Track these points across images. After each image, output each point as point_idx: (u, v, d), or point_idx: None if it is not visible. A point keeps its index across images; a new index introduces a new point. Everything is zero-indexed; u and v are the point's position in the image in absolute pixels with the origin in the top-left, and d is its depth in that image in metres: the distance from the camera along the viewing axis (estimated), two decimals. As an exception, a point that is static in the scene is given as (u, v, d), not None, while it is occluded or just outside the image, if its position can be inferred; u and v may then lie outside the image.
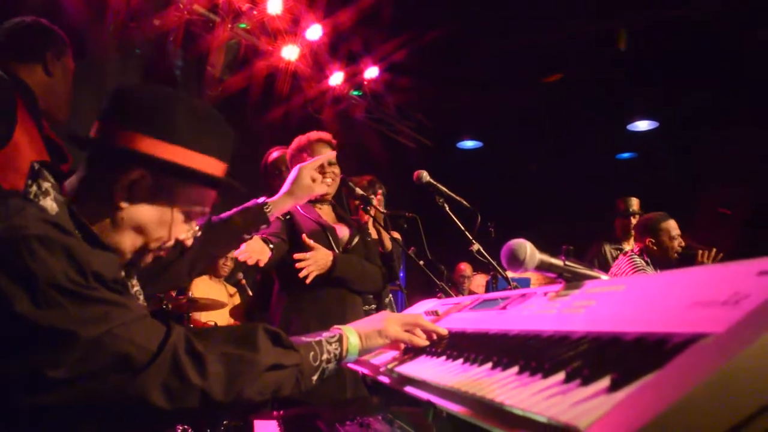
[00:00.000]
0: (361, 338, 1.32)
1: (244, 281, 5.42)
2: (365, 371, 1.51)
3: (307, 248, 2.62)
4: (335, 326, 1.35)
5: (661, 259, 4.04)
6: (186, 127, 1.21)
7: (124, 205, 1.18)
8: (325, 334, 1.28)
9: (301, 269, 2.55)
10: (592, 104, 7.19)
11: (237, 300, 5.47)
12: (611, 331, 0.81)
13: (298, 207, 2.85)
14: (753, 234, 5.71)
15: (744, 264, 0.75)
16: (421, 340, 1.36)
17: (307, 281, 2.56)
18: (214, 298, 4.84)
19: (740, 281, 0.71)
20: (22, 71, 2.24)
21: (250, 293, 5.21)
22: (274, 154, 3.59)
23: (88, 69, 5.19)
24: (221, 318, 4.98)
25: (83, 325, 0.93)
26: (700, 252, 3.98)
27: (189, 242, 1.31)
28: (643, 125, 7.90)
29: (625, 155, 8.64)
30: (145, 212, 1.20)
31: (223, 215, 1.81)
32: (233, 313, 5.04)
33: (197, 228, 1.34)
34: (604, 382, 0.66)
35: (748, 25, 5.77)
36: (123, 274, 1.24)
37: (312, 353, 1.20)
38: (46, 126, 2.24)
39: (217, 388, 1.01)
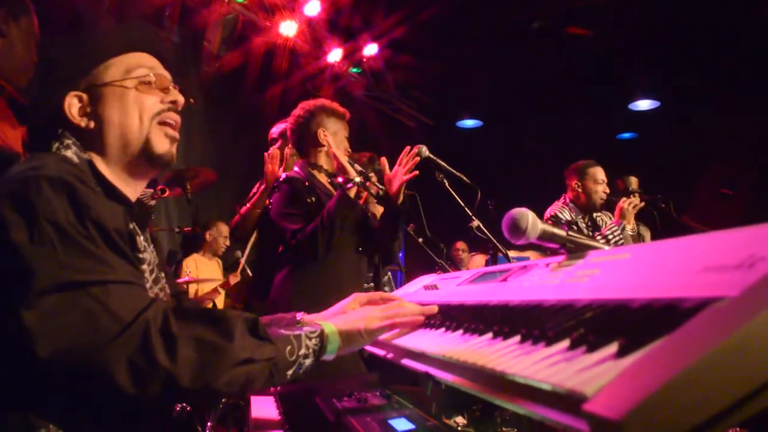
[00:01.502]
0: (341, 338, 1.25)
1: (242, 260, 5.39)
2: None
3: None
4: (309, 318, 1.32)
5: (586, 204, 4.35)
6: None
7: (85, 123, 1.28)
8: (306, 328, 1.22)
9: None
10: (592, 83, 7.13)
11: (235, 277, 5.45)
12: (617, 298, 0.78)
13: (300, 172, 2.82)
14: (755, 214, 5.69)
15: (757, 228, 0.72)
16: (408, 319, 1.30)
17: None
18: (209, 277, 4.83)
19: (754, 244, 0.67)
20: None
21: (249, 273, 5.19)
22: (280, 126, 3.58)
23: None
24: (219, 300, 4.95)
25: (63, 268, 0.95)
26: (623, 199, 4.12)
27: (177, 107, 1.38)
28: (644, 105, 7.83)
29: (626, 135, 8.60)
30: (111, 113, 1.29)
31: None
32: (233, 291, 5.01)
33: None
34: (611, 348, 0.63)
35: (751, 2, 5.69)
36: (132, 226, 1.27)
37: (289, 347, 1.14)
38: (8, 88, 2.14)
39: (184, 373, 0.97)
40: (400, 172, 2.62)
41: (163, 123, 1.34)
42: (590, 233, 4.31)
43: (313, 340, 1.20)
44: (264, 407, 1.64)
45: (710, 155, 6.91)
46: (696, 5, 5.81)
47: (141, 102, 1.32)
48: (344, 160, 2.65)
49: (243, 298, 4.46)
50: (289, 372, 1.15)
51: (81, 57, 1.34)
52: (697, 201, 6.65)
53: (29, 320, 0.92)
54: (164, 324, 0.98)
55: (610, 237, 4.00)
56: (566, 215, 4.39)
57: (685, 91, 7.09)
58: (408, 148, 2.65)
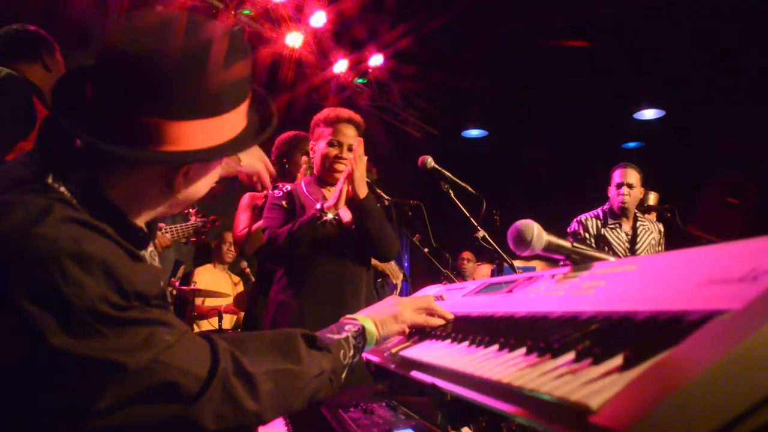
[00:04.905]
0: (377, 326, 1.30)
1: (248, 270, 5.42)
2: (369, 356, 1.49)
3: None
4: (348, 317, 1.31)
5: (616, 210, 4.25)
6: (219, 88, 1.03)
7: (182, 190, 1.09)
8: (349, 328, 1.25)
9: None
10: (598, 93, 7.13)
11: (241, 288, 5.47)
12: (623, 310, 0.79)
13: (303, 187, 2.83)
14: (760, 223, 5.67)
15: (761, 240, 0.72)
16: (438, 321, 1.35)
17: (338, 175, 2.61)
18: (218, 290, 4.84)
19: (757, 257, 0.68)
20: (26, 70, 2.53)
21: (253, 279, 5.21)
22: (284, 136, 3.61)
23: (93, 58, 5.18)
24: (225, 304, 4.98)
25: (127, 353, 0.84)
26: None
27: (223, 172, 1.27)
28: (649, 114, 7.83)
29: (632, 144, 8.59)
30: (200, 183, 1.13)
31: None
32: (237, 300, 5.03)
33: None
34: (616, 360, 0.63)
35: (754, 11, 5.70)
36: (162, 284, 1.04)
37: (342, 351, 1.18)
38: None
39: (269, 408, 0.99)
40: (349, 172, 2.60)
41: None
42: (621, 246, 4.20)
43: (358, 338, 1.24)
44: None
45: (716, 164, 6.90)
46: (701, 14, 5.82)
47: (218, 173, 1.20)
48: (344, 194, 2.62)
49: (246, 302, 4.48)
50: (344, 375, 1.18)
51: None
52: (702, 210, 6.63)
53: (113, 420, 0.84)
54: (237, 366, 0.96)
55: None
56: (591, 224, 4.28)
57: (690, 100, 7.08)
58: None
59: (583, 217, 4.35)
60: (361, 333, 1.26)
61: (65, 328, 0.80)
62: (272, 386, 0.99)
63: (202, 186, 1.14)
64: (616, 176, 4.25)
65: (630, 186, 4.19)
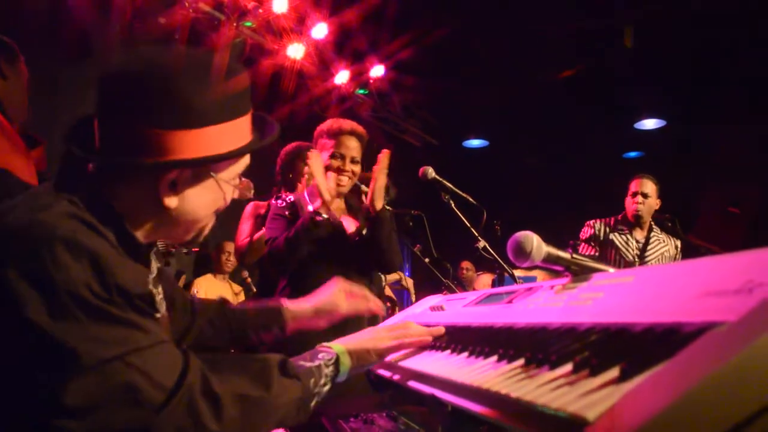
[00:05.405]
0: (351, 357, 1.27)
1: (249, 279, 5.42)
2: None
3: None
4: (324, 345, 1.29)
5: (629, 219, 4.24)
6: (206, 101, 1.06)
7: (172, 203, 1.08)
8: (322, 356, 1.23)
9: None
10: (598, 103, 7.15)
11: (242, 298, 5.47)
12: (620, 322, 0.79)
13: (307, 197, 2.84)
14: (761, 233, 5.67)
15: (756, 252, 0.73)
16: (415, 338, 1.32)
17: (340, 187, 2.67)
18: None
19: (753, 270, 0.69)
20: None
21: (254, 290, 5.21)
22: (288, 147, 3.62)
23: (94, 69, 5.22)
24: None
25: (96, 345, 0.87)
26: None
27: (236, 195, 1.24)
28: (650, 123, 7.84)
29: (632, 154, 8.60)
30: (195, 200, 1.12)
31: (238, 306, 1.69)
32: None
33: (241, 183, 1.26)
34: (613, 372, 0.64)
35: (756, 21, 5.72)
36: (150, 286, 1.11)
37: (312, 380, 1.16)
38: (16, 125, 2.35)
39: None
40: (372, 183, 2.64)
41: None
42: (630, 251, 4.21)
43: (330, 368, 1.22)
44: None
45: (716, 174, 6.90)
46: (702, 23, 5.85)
47: (227, 194, 1.20)
48: (323, 187, 2.64)
49: None
50: (313, 403, 1.16)
51: None
52: (703, 219, 6.63)
53: (68, 400, 0.85)
54: (205, 385, 0.96)
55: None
56: (599, 227, 4.30)
57: (690, 109, 7.10)
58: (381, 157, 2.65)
59: (593, 221, 4.37)
60: (335, 362, 1.23)
61: (46, 307, 0.85)
62: (237, 411, 0.98)
63: (199, 206, 1.13)
64: (632, 186, 4.29)
65: (645, 195, 4.21)
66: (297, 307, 1.67)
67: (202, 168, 1.10)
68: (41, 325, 0.84)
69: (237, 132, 1.13)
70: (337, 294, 1.70)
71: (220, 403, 0.96)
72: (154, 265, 1.26)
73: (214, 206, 1.18)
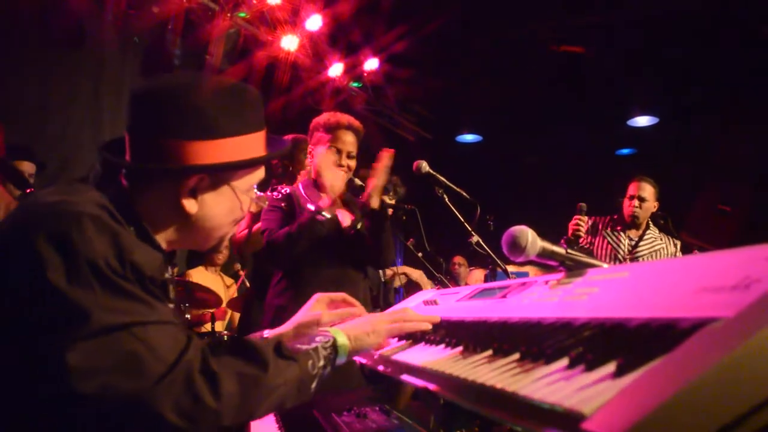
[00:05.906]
0: (350, 339, 1.30)
1: (242, 272, 5.41)
2: (363, 360, 1.49)
3: None
4: (321, 329, 1.33)
5: (625, 220, 4.28)
6: (224, 116, 1.20)
7: (192, 208, 1.20)
8: (319, 339, 1.27)
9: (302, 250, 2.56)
10: (592, 99, 7.16)
11: (233, 291, 5.45)
12: (615, 317, 0.79)
13: (302, 189, 2.83)
14: (752, 231, 5.70)
15: (753, 249, 0.73)
16: (412, 325, 1.36)
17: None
18: (210, 288, 4.82)
19: (749, 266, 0.69)
20: None
21: (248, 285, 5.19)
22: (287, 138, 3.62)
23: (88, 58, 5.17)
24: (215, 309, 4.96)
25: (104, 311, 0.93)
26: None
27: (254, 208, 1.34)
28: (643, 121, 7.87)
29: (625, 151, 8.63)
30: (214, 207, 1.23)
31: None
32: (231, 305, 5.02)
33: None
34: (609, 367, 0.63)
35: (749, 19, 5.74)
36: (165, 274, 1.19)
37: (310, 361, 1.19)
38: None
39: (229, 410, 1.00)
40: (372, 181, 2.65)
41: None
42: (621, 249, 4.23)
43: (328, 350, 1.25)
44: (263, 421, 1.64)
45: (709, 171, 6.93)
46: (695, 21, 5.86)
47: (244, 204, 1.30)
48: (335, 186, 2.64)
49: (241, 307, 4.46)
50: (313, 385, 1.19)
51: None
52: (695, 217, 6.66)
53: (73, 361, 0.90)
54: (204, 364, 0.99)
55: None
56: (593, 224, 4.34)
57: (683, 107, 7.13)
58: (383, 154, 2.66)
59: (589, 218, 4.37)
60: (332, 345, 1.26)
61: (65, 271, 0.93)
62: (235, 388, 1.01)
63: (217, 213, 1.24)
64: (630, 189, 4.32)
65: (642, 199, 4.25)
66: (276, 333, 1.68)
67: (220, 176, 1.22)
68: (58, 286, 0.92)
69: (252, 145, 1.25)
70: (315, 306, 1.70)
71: (219, 381, 0.99)
72: (172, 291, 1.30)
73: (232, 215, 1.28)
